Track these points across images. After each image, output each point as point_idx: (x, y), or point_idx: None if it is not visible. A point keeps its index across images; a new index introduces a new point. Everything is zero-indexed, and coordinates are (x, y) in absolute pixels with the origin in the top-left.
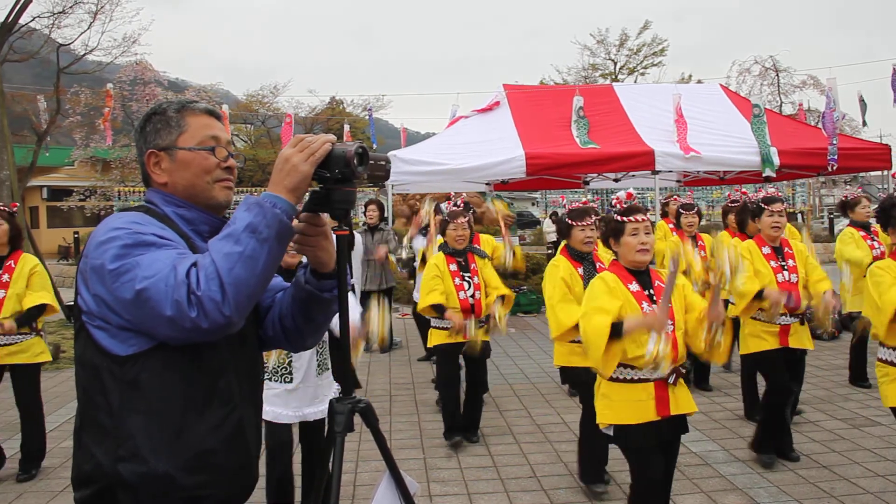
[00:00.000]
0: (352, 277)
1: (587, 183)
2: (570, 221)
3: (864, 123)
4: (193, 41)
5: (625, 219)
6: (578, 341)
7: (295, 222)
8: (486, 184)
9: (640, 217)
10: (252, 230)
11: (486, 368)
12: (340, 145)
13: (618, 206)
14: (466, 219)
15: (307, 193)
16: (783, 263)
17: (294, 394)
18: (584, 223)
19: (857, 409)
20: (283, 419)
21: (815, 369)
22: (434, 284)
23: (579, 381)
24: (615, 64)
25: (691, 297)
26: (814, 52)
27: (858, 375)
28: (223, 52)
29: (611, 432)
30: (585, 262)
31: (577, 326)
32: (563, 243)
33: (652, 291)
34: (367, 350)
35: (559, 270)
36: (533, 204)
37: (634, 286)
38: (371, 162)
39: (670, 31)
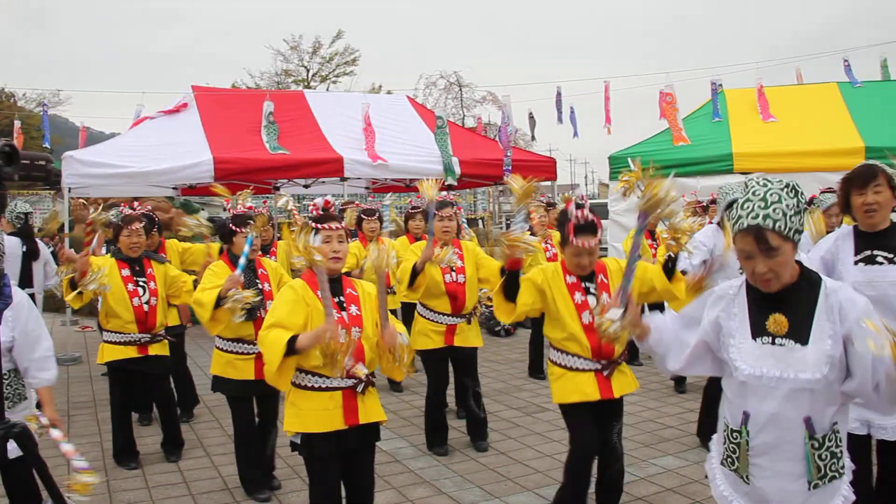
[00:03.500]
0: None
1: (277, 189)
2: (233, 227)
3: (533, 138)
4: None
5: (318, 226)
6: (237, 352)
7: None
8: (174, 188)
9: (333, 225)
10: None
11: (170, 380)
12: None
13: (314, 212)
14: (143, 224)
15: None
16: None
17: None
18: (247, 230)
19: (529, 398)
20: None
21: (493, 364)
22: None
23: (229, 396)
24: (308, 71)
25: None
26: (494, 69)
27: (536, 368)
28: None
29: (298, 440)
30: (247, 268)
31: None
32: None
33: (342, 298)
34: None
35: (218, 276)
36: (224, 209)
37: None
38: (25, 162)
39: (363, 41)
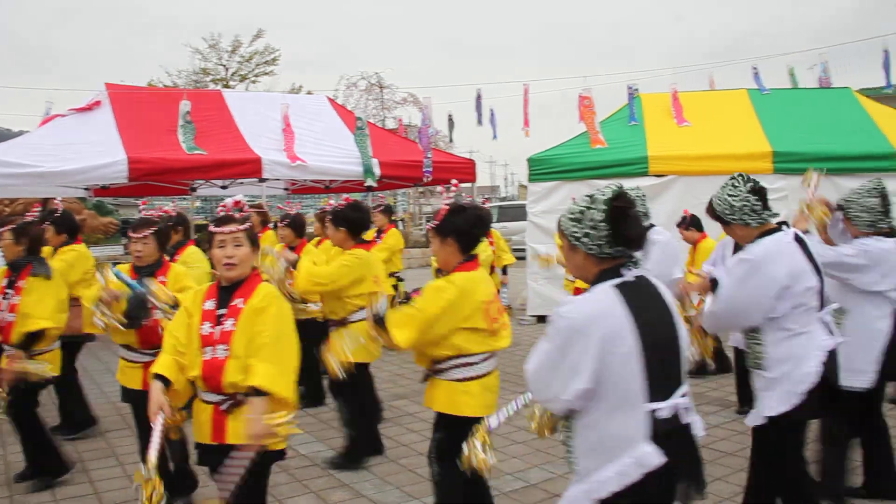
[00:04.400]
0: None
1: (194, 190)
2: (129, 233)
3: (451, 140)
4: None
5: (214, 229)
6: (126, 359)
7: None
8: (86, 189)
9: (227, 229)
10: None
11: (69, 397)
12: None
13: (221, 213)
14: (12, 228)
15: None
16: None
17: None
18: (137, 235)
19: None
20: None
21: (412, 365)
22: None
23: (135, 403)
24: (227, 70)
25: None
26: (415, 71)
27: None
28: None
29: None
30: (142, 274)
31: None
32: None
33: (224, 311)
34: None
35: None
36: (140, 211)
37: (210, 304)
38: None
39: (284, 40)
